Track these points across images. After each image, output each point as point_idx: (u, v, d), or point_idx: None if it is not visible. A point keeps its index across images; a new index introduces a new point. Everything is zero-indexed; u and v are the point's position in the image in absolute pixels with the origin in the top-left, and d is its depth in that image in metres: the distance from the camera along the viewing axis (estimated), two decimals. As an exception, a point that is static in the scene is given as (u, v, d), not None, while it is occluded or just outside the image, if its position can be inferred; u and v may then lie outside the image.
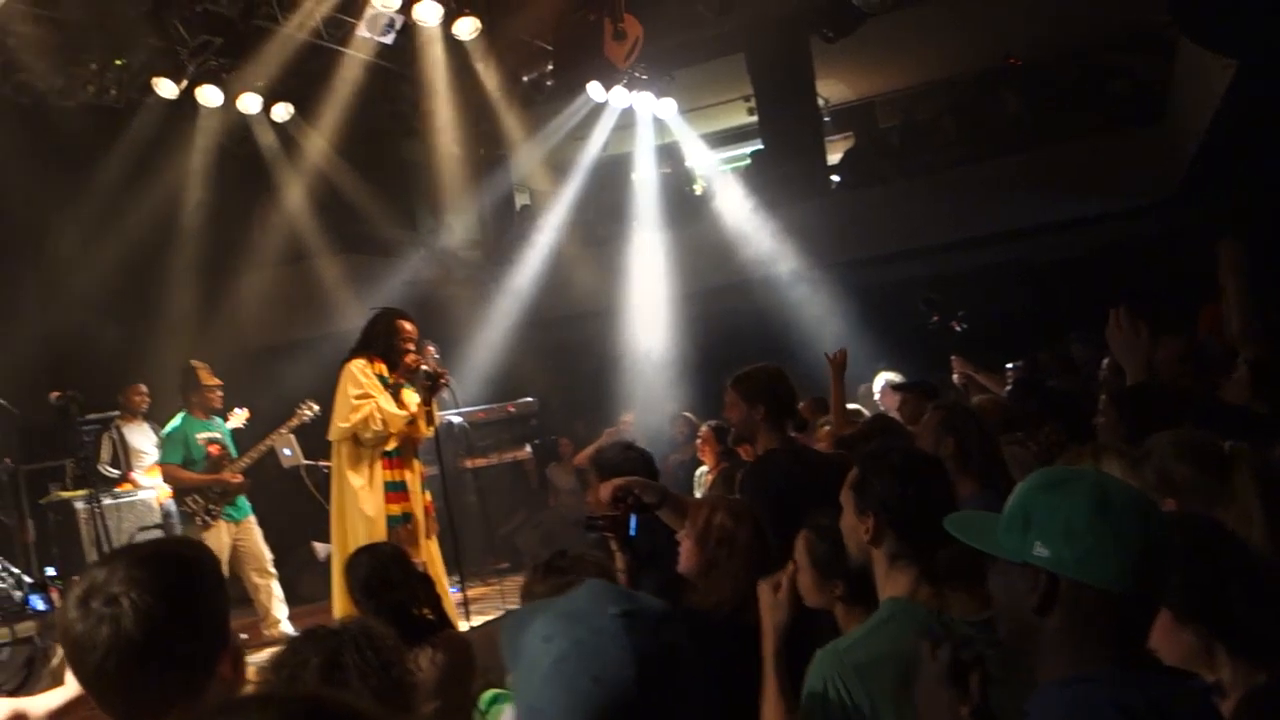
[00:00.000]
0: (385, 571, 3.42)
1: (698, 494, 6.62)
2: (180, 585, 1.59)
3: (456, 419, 8.84)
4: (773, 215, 11.78)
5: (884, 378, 7.52)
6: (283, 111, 9.74)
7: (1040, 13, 11.73)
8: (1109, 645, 1.61)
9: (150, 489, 7.88)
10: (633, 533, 3.37)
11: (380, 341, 5.94)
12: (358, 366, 5.85)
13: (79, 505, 7.61)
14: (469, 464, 9.12)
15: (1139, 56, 12.02)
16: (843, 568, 2.66)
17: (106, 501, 7.35)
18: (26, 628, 6.48)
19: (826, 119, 14.44)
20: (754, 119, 13.85)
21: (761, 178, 12.78)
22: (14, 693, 2.78)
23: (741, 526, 3.09)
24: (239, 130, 9.90)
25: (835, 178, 13.52)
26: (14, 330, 8.43)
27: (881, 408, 7.08)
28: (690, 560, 3.13)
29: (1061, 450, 3.93)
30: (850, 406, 6.01)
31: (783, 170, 12.38)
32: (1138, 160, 10.64)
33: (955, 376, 7.32)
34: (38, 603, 2.95)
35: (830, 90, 14.26)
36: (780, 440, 3.96)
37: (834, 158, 14.06)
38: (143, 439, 7.95)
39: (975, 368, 7.13)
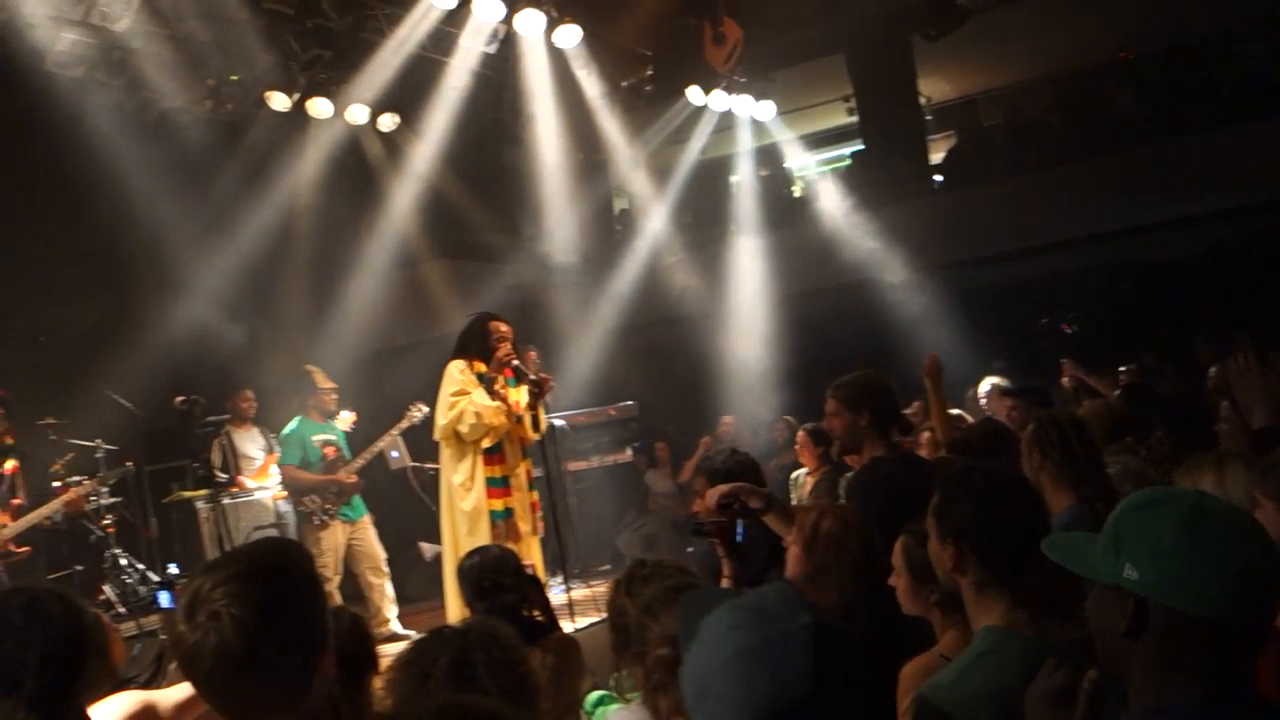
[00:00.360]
0: (496, 574, 3.48)
1: (793, 497, 6.59)
2: (276, 596, 1.68)
3: (558, 422, 8.94)
4: (874, 216, 11.66)
5: (990, 382, 7.38)
6: (389, 121, 9.98)
7: (1150, 4, 11.39)
8: (1198, 675, 1.51)
9: (262, 490, 8.13)
10: (739, 538, 3.38)
11: (475, 343, 6.13)
12: (456, 367, 6.08)
13: (199, 505, 7.90)
14: (570, 467, 9.22)
15: (1254, 48, 11.57)
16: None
17: (225, 501, 7.61)
18: (153, 622, 6.79)
19: (928, 117, 14.24)
20: (854, 119, 13.73)
21: (862, 178, 12.66)
22: (145, 685, 2.92)
23: (850, 533, 3.07)
24: (347, 140, 10.17)
25: (938, 177, 13.32)
26: (138, 336, 8.79)
27: (988, 413, 6.95)
28: (797, 566, 3.12)
29: (1176, 458, 3.81)
30: (953, 412, 5.92)
31: (884, 170, 12.24)
32: (1253, 155, 10.25)
33: (1065, 380, 7.15)
34: (164, 599, 3.09)
35: (932, 88, 14.06)
36: (886, 447, 3.91)
37: (936, 157, 13.84)
38: (250, 444, 8.20)
39: (1086, 371, 6.96)
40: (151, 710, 2.63)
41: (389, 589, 7.64)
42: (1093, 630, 1.78)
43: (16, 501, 6.05)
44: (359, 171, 10.50)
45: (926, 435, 5.67)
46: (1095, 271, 10.88)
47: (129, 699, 2.59)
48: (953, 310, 10.60)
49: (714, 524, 3.32)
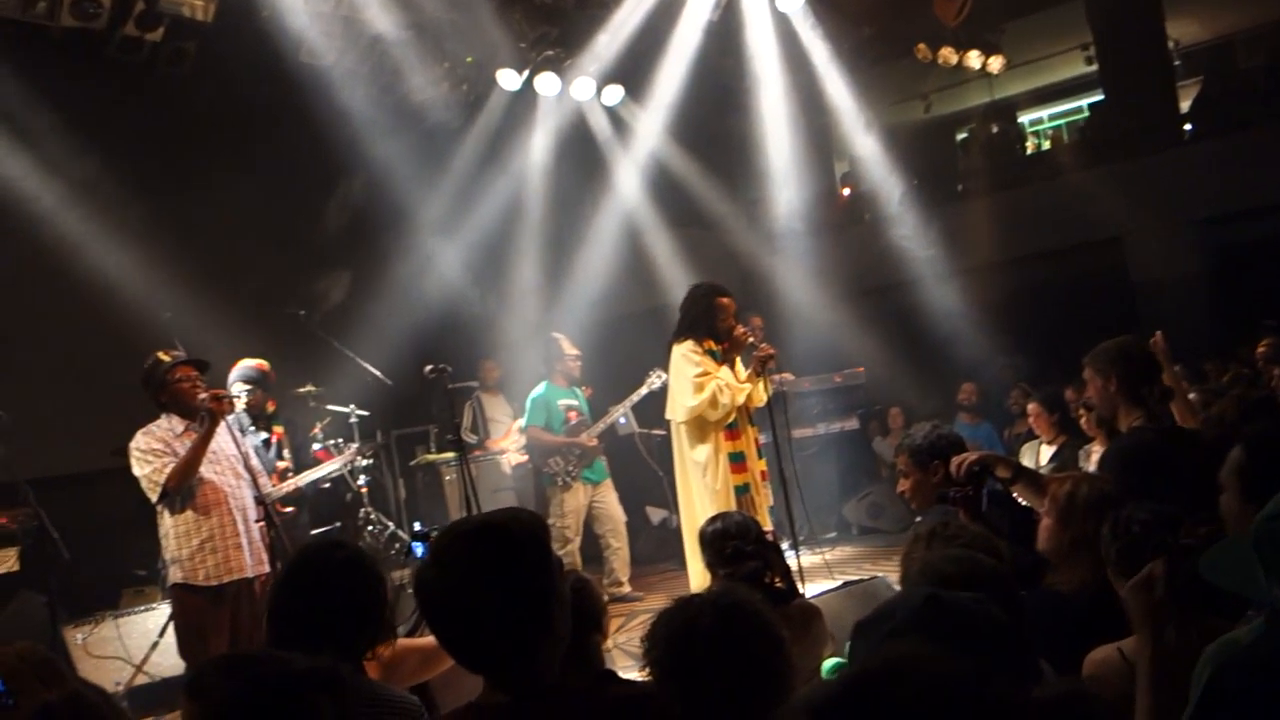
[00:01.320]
0: (738, 540, 3.49)
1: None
2: (499, 557, 1.80)
3: (783, 389, 8.90)
4: (1116, 171, 10.97)
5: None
6: (613, 94, 10.14)
7: None
8: None
9: (502, 453, 8.51)
10: (984, 507, 3.29)
11: (704, 321, 6.08)
12: (689, 348, 6.01)
13: (443, 467, 8.33)
14: (795, 434, 9.17)
15: None
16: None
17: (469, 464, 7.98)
18: (405, 575, 7.24)
19: (1177, 63, 13.23)
20: (1093, 68, 12.93)
21: (1102, 131, 11.92)
22: (408, 634, 3.15)
23: (1108, 504, 2.93)
24: (575, 114, 10.40)
25: (1188, 126, 12.37)
26: (385, 308, 9.33)
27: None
28: (1051, 539, 3.01)
29: None
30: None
31: (1128, 121, 11.48)
32: None
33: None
34: (418, 549, 3.32)
35: (1181, 30, 13.04)
36: (1144, 415, 3.69)
37: (1186, 104, 12.86)
38: (497, 408, 8.59)
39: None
40: (409, 654, 2.91)
41: (625, 552, 7.84)
42: None
43: (283, 465, 6.53)
44: (586, 144, 10.72)
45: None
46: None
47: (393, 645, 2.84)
48: (1207, 267, 9.86)
49: (960, 492, 3.24)
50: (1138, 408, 3.72)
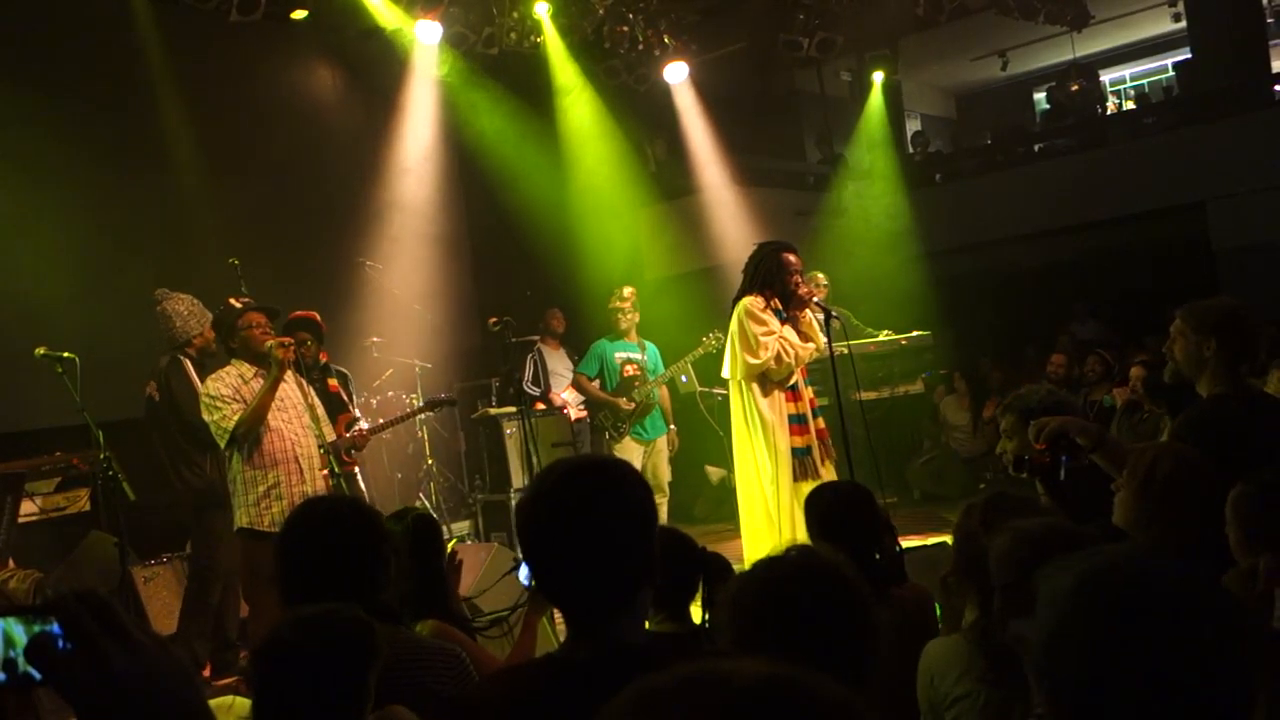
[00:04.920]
0: (846, 510, 3.25)
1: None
2: (613, 496, 1.71)
3: (847, 351, 8.77)
4: (1201, 132, 10.59)
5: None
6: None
7: None
8: None
9: (563, 407, 8.50)
10: (1063, 477, 3.17)
11: (770, 278, 5.94)
12: (754, 304, 5.88)
13: (504, 420, 8.35)
14: (859, 396, 9.04)
15: None
16: (1273, 536, 2.38)
17: (529, 418, 7.99)
18: (464, 528, 7.31)
19: (1269, 20, 12.70)
20: (1180, 25, 12.47)
21: (1188, 91, 11.51)
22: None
23: (1193, 476, 2.81)
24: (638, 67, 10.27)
25: (1278, 87, 11.90)
26: (453, 262, 9.37)
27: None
28: (1129, 511, 2.89)
29: None
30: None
31: (1215, 81, 11.06)
32: None
33: None
34: (523, 574, 3.32)
35: (1276, -14, 12.54)
36: (1231, 384, 3.51)
37: (1277, 64, 12.36)
38: (559, 362, 8.57)
39: None
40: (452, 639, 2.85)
41: (664, 511, 7.79)
42: None
43: (345, 416, 6.55)
44: (645, 97, 10.59)
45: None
46: None
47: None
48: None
49: (1036, 461, 3.13)
50: (1228, 374, 3.54)
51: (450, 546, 3.43)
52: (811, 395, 6.13)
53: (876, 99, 11.79)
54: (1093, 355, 8.04)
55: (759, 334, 5.77)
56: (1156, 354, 6.69)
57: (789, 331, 5.85)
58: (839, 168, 11.93)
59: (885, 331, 9.16)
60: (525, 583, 3.24)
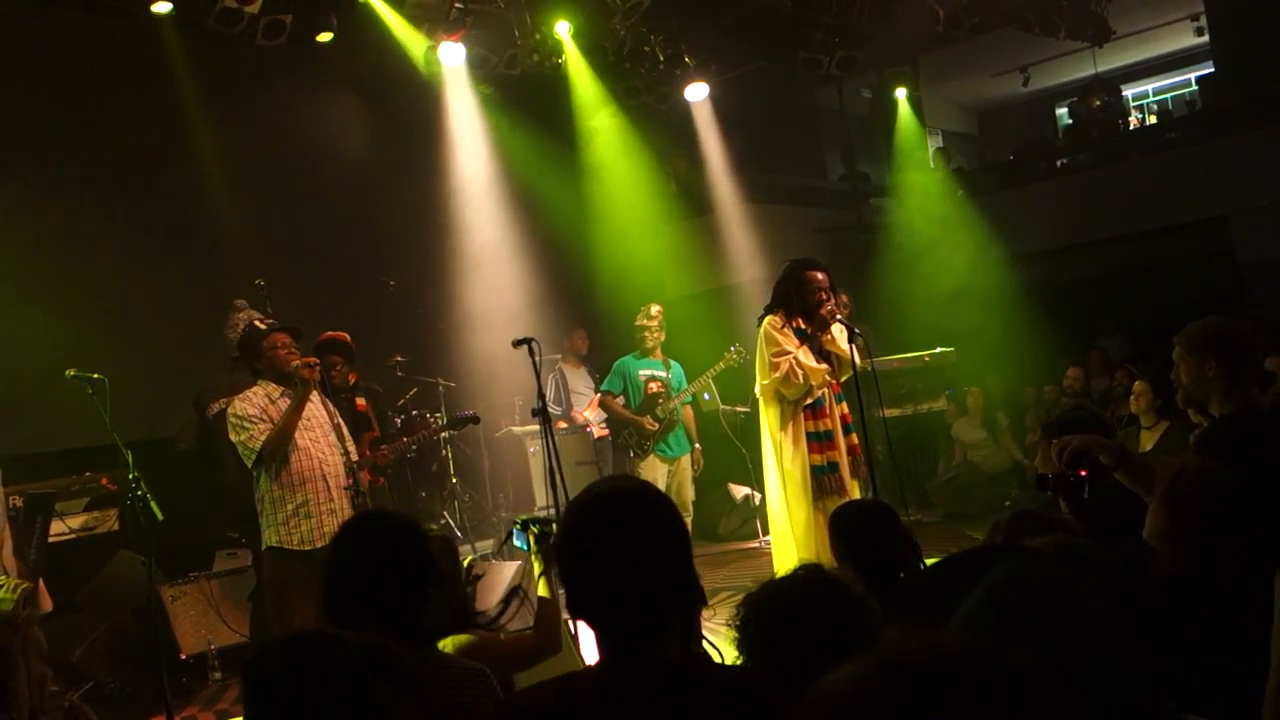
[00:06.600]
0: (871, 529, 3.25)
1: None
2: (652, 517, 1.75)
3: (871, 367, 8.75)
4: (1224, 146, 10.54)
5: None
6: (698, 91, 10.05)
7: None
8: None
9: (585, 426, 8.52)
10: (1086, 496, 3.16)
11: (792, 296, 5.96)
12: (773, 325, 5.92)
13: (527, 439, 8.38)
14: (883, 413, 9.02)
15: None
16: None
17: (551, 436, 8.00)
18: (487, 546, 7.29)
19: (1293, 34, 12.65)
20: (1203, 39, 12.44)
21: (1211, 105, 11.47)
22: (486, 627, 3.22)
23: (1218, 489, 2.80)
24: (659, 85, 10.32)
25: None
26: (477, 282, 9.43)
27: None
28: (1152, 521, 2.89)
29: None
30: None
31: (1239, 95, 11.01)
32: None
33: None
34: (518, 539, 3.32)
35: (1299, 0, 12.47)
36: (1240, 401, 3.49)
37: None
38: (579, 380, 8.60)
39: None
40: (485, 652, 2.83)
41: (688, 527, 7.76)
42: None
43: (369, 435, 6.59)
44: (669, 117, 10.64)
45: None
46: None
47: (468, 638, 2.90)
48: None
49: (1060, 479, 3.12)
50: (1235, 391, 3.53)
51: (466, 562, 3.45)
52: (845, 411, 6.13)
53: (906, 114, 11.78)
54: (1121, 370, 8.00)
55: (770, 355, 5.85)
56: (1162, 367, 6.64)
57: (803, 354, 5.86)
58: (858, 184, 11.93)
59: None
60: (521, 546, 3.29)
